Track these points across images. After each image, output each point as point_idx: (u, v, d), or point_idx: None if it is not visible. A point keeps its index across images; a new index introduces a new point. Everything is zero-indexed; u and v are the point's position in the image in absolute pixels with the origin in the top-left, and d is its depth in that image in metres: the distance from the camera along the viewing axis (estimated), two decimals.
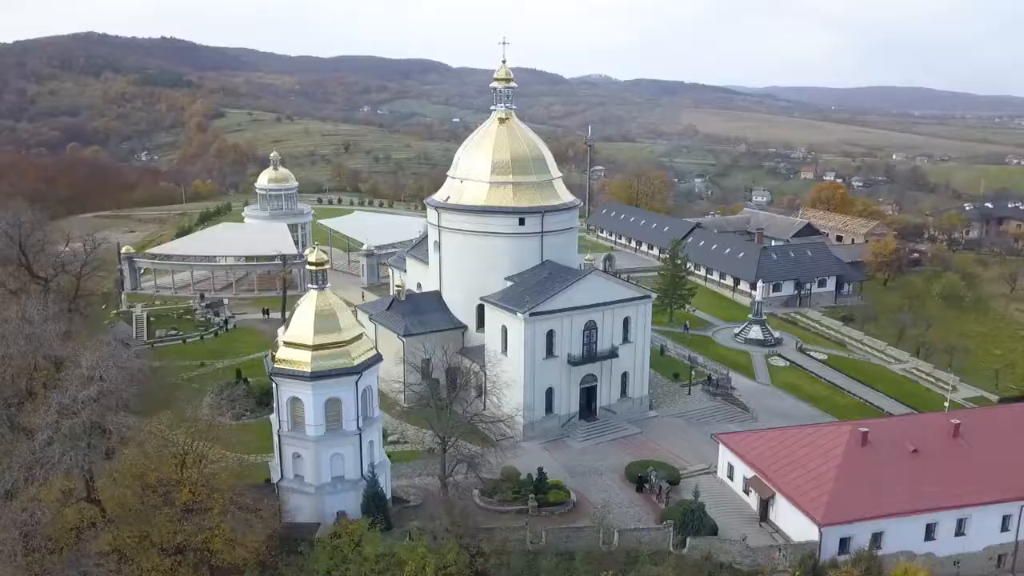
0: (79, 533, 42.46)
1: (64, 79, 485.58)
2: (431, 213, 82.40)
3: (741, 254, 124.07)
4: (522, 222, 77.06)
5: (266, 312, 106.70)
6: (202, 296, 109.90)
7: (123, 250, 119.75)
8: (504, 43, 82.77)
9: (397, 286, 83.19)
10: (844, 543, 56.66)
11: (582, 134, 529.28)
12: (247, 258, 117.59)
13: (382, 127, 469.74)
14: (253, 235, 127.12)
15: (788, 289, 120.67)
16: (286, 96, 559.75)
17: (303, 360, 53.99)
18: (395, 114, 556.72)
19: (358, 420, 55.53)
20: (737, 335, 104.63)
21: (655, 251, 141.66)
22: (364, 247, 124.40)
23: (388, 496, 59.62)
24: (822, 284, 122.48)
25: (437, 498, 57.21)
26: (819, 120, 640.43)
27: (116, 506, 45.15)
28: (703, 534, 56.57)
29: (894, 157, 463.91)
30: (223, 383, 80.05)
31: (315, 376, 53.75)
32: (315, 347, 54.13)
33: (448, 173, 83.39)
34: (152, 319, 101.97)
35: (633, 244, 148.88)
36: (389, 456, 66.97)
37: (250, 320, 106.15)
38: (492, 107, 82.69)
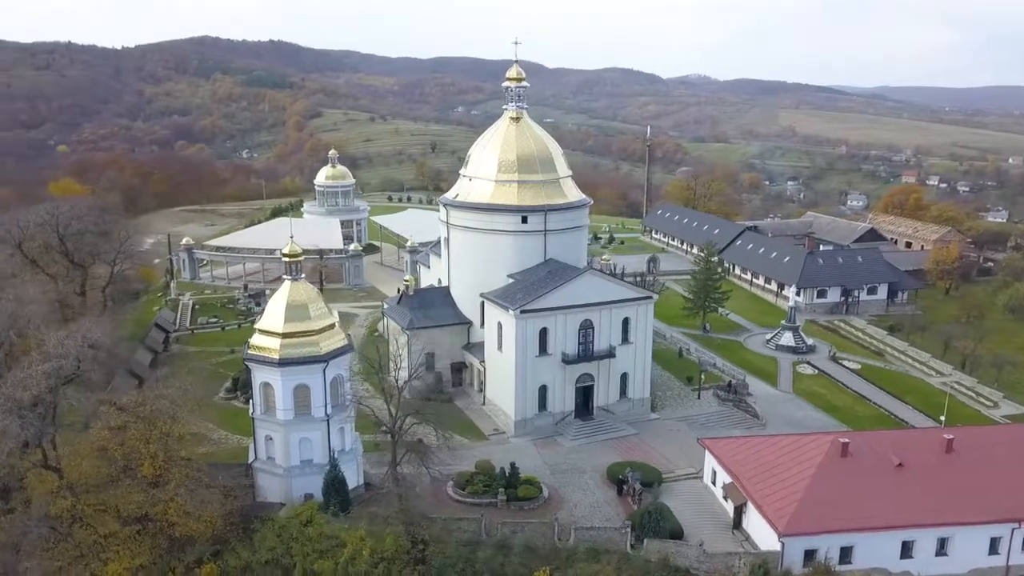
0: (32, 497, 46.28)
1: (178, 81, 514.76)
2: (442, 210, 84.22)
3: (786, 258, 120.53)
4: (525, 220, 77.84)
5: None
6: (245, 287, 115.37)
7: (183, 242, 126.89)
8: (517, 43, 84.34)
9: (405, 281, 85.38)
10: (811, 556, 55.16)
11: (675, 134, 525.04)
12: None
13: (472, 127, 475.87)
14: (305, 230, 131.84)
15: (834, 296, 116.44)
16: (384, 97, 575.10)
17: (273, 347, 56.72)
18: (488, 115, 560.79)
19: (326, 407, 57.78)
20: (769, 341, 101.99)
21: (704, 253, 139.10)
22: (408, 244, 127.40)
23: (360, 482, 61.84)
24: (872, 291, 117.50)
25: (399, 486, 58.61)
26: (930, 121, 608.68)
27: (80, 475, 48.76)
28: (661, 536, 56.10)
29: (1010, 160, 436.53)
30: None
31: (283, 363, 56.38)
32: (285, 335, 56.78)
33: (460, 171, 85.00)
34: (197, 307, 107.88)
35: (685, 246, 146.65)
36: (377, 445, 69.39)
37: None
38: (504, 106, 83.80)
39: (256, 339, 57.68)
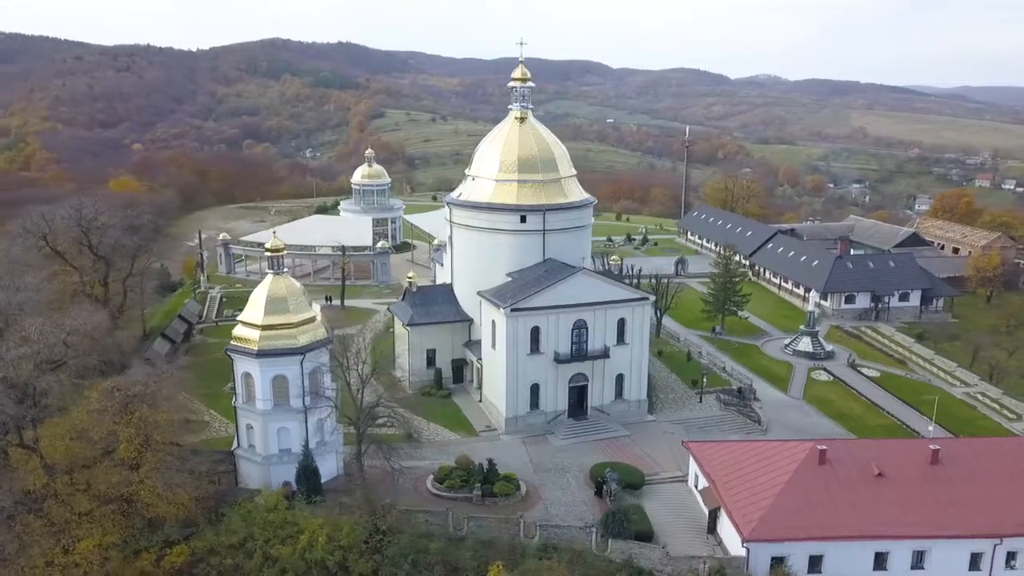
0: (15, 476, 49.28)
1: (248, 82, 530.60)
2: (446, 209, 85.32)
3: (815, 262, 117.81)
4: (523, 219, 78.30)
5: (328, 299, 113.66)
6: None
7: (219, 237, 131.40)
8: (522, 43, 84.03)
9: (409, 278, 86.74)
10: (779, 563, 54.29)
11: (739, 135, 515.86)
12: (332, 248, 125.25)
13: None
14: (338, 227, 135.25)
15: (863, 301, 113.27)
16: (447, 97, 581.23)
17: (253, 338, 58.72)
18: (549, 115, 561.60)
19: (304, 398, 59.45)
20: (787, 346, 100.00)
21: (738, 256, 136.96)
22: (435, 242, 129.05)
23: (339, 472, 63.39)
24: (904, 298, 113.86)
25: (365, 477, 59.76)
26: (1013, 123, 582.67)
27: (59, 455, 51.49)
28: (626, 537, 55.97)
29: None
30: None
31: (261, 354, 58.29)
32: (264, 327, 58.71)
33: (465, 170, 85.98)
34: (225, 300, 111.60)
35: (719, 248, 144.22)
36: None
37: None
38: (510, 106, 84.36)
39: (238, 330, 59.78)
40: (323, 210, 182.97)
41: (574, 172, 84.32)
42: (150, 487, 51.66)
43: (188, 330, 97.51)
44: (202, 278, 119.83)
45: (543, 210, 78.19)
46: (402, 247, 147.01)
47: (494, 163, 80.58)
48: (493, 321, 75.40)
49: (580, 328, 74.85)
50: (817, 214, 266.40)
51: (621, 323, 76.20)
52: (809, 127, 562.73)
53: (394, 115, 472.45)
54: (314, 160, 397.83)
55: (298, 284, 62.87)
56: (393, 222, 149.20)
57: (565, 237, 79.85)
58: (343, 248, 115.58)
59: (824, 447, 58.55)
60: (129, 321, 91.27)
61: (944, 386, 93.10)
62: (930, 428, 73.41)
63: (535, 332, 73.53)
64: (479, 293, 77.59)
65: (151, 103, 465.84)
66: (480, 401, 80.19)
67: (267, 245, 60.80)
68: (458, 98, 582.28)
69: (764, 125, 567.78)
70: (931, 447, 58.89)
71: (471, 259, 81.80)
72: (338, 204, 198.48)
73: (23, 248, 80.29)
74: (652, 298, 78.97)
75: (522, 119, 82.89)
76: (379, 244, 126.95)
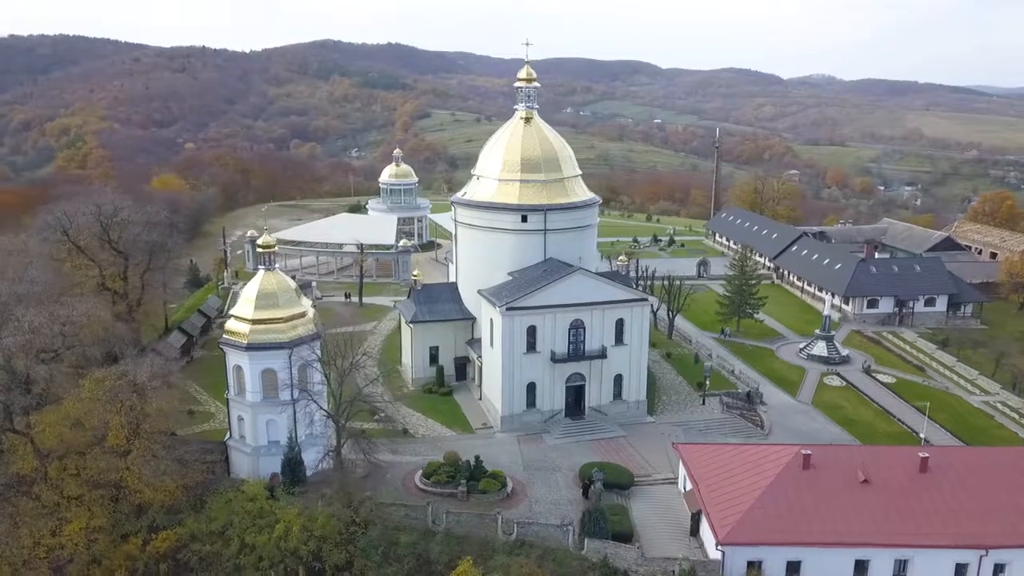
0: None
1: (299, 82, 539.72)
2: (452, 209, 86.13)
3: (838, 266, 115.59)
4: (524, 219, 78.70)
5: (347, 295, 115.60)
6: (293, 277, 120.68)
7: (247, 234, 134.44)
8: (528, 44, 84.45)
9: (414, 276, 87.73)
10: (756, 568, 53.78)
11: (788, 136, 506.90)
12: (358, 246, 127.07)
13: (574, 128, 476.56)
14: (363, 225, 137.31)
15: (887, 306, 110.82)
16: (493, 98, 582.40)
17: (243, 332, 60.29)
18: (596, 115, 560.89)
19: (292, 391, 60.79)
20: (801, 350, 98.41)
21: (763, 259, 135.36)
22: None
23: (329, 464, 64.43)
24: (930, 303, 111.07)
25: (343, 470, 60.70)
26: None
27: (53, 442, 53.67)
28: (603, 537, 55.99)
29: None
30: None
31: (251, 347, 59.82)
32: (254, 321, 60.21)
33: (472, 170, 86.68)
34: None
35: (745, 250, 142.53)
36: (363, 431, 72.03)
37: (331, 302, 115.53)
38: (515, 106, 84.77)
39: (230, 324, 61.44)
40: (356, 209, 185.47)
41: (578, 172, 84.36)
42: (136, 474, 53.41)
43: (207, 324, 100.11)
44: (226, 274, 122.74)
45: (544, 210, 78.46)
46: (427, 246, 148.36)
47: (497, 163, 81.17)
48: (491, 319, 75.93)
49: (577, 328, 74.92)
50: (862, 217, 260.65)
51: (619, 324, 76.02)
52: (862, 128, 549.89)
53: (439, 115, 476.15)
54: (358, 159, 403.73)
55: (289, 280, 64.31)
56: (419, 221, 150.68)
57: (567, 237, 79.95)
58: (361, 246, 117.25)
59: (809, 452, 57.78)
60: (150, 315, 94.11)
61: (963, 394, 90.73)
62: (922, 435, 71.61)
63: (531, 331, 73.82)
64: (479, 291, 78.23)
65: (204, 103, 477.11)
66: (480, 399, 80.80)
67: (258, 242, 62.21)
68: (504, 98, 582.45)
69: (815, 126, 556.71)
70: (920, 455, 57.61)
71: (474, 258, 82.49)
72: (363, 204, 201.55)
73: (45, 243, 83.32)
74: (650, 299, 78.48)
75: (528, 119, 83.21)
76: (401, 242, 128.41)
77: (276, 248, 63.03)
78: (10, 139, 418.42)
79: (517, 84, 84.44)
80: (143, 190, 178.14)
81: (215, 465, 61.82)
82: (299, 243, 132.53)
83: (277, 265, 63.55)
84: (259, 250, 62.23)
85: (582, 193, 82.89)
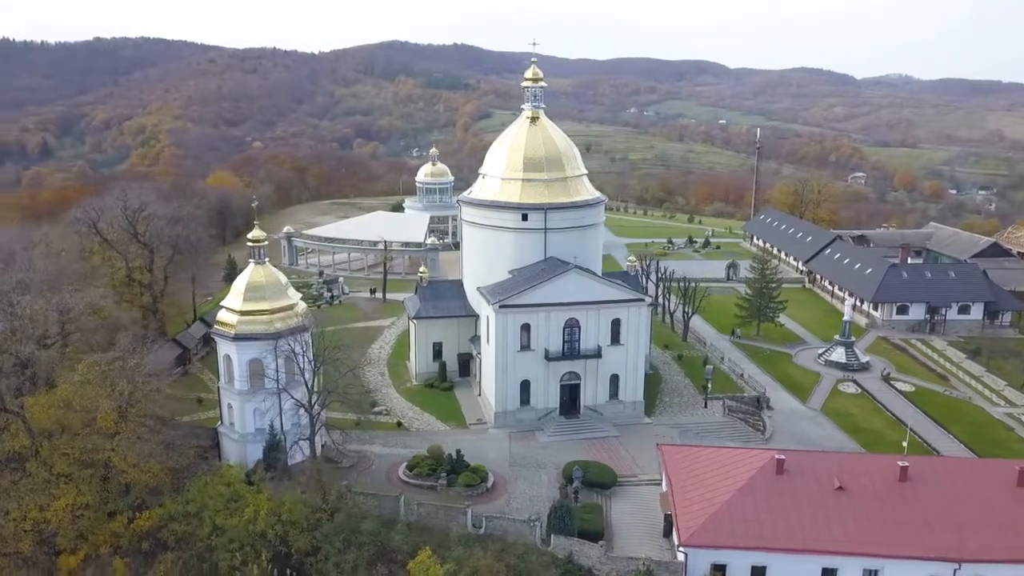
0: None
1: (365, 82, 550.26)
2: (459, 207, 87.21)
3: (868, 270, 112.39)
4: (525, 217, 79.24)
5: (372, 291, 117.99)
6: (321, 273, 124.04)
7: (284, 230, 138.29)
8: (534, 44, 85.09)
9: (420, 273, 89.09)
10: (721, 571, 53.28)
11: (858, 137, 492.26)
12: (388, 243, 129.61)
13: (637, 128, 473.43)
14: (395, 223, 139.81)
15: (917, 312, 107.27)
16: (556, 98, 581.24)
17: (232, 322, 62.60)
18: (660, 115, 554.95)
19: (278, 381, 62.74)
20: (820, 356, 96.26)
21: (797, 262, 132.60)
22: None
23: (318, 454, 66.32)
24: (964, 310, 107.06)
25: (318, 460, 62.24)
26: None
27: (47, 423, 56.82)
28: (568, 534, 56.22)
29: None
30: None
31: (238, 337, 62.04)
32: (243, 312, 62.44)
33: (479, 169, 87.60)
34: None
35: (781, 253, 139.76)
36: (358, 424, 73.98)
37: (357, 297, 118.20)
38: (522, 106, 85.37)
39: (220, 315, 63.82)
40: (398, 207, 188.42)
41: (583, 172, 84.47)
42: (122, 455, 56.06)
43: None
44: None
45: (544, 208, 78.83)
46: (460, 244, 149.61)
47: (501, 162, 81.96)
48: (487, 316, 76.75)
49: (572, 327, 75.08)
50: (926, 221, 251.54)
51: (616, 323, 75.86)
52: (938, 130, 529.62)
53: (501, 116, 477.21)
54: (418, 159, 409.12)
55: (279, 274, 66.33)
56: (454, 219, 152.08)
57: (569, 236, 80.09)
58: (385, 244, 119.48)
59: (783, 456, 56.83)
60: (177, 306, 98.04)
61: (986, 405, 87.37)
62: (904, 444, 69.36)
63: (526, 329, 74.33)
64: (477, 289, 79.17)
65: (273, 103, 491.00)
66: (479, 395, 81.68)
67: (249, 236, 64.37)
68: (567, 98, 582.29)
69: (888, 128, 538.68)
70: (900, 464, 56.02)
71: (477, 256, 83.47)
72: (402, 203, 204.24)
73: (75, 236, 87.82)
74: (648, 299, 77.96)
75: (534, 119, 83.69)
76: (429, 240, 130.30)
77: (265, 242, 65.04)
78: (91, 138, 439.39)
79: (524, 84, 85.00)
80: (196, 187, 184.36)
81: (207, 451, 64.18)
82: (332, 240, 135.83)
83: (266, 259, 65.49)
84: (249, 244, 64.38)
85: (586, 192, 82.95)
